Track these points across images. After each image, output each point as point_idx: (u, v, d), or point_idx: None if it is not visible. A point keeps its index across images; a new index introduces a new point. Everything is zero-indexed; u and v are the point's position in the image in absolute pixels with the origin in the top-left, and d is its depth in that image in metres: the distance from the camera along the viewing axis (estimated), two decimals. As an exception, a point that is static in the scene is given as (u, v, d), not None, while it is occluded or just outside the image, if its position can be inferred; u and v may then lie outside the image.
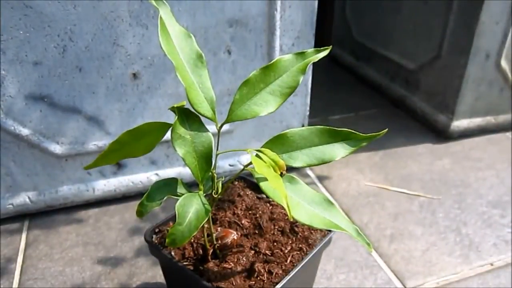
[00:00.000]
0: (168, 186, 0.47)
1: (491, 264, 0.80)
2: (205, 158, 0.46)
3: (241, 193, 0.65)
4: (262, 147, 0.46)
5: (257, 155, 0.44)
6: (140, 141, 0.45)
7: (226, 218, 0.60)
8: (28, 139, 0.81)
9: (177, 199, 0.44)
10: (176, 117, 0.44)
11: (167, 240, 0.41)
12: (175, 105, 0.46)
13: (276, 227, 0.59)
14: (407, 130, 1.25)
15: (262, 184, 0.43)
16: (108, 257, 0.80)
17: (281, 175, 0.44)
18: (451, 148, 1.17)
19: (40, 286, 0.74)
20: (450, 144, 1.19)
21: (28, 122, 0.80)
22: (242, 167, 1.00)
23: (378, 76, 1.47)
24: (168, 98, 0.88)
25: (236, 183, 0.68)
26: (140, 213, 0.45)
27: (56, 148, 0.85)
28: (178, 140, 0.44)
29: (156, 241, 0.57)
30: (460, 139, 1.21)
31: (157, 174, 0.95)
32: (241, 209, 0.62)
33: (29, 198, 0.87)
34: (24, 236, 0.85)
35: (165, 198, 0.46)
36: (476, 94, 1.16)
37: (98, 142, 0.87)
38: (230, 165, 0.99)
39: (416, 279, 0.77)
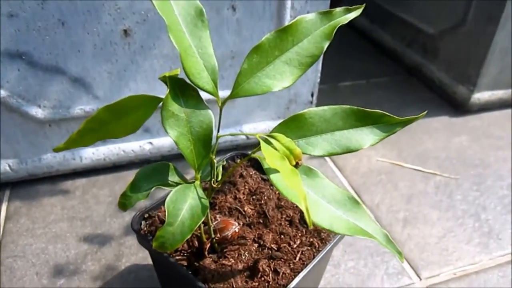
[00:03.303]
0: (157, 173, 0.39)
1: (512, 254, 0.74)
2: (203, 141, 0.37)
3: (244, 173, 0.57)
4: (274, 129, 0.37)
5: (266, 140, 0.35)
6: (123, 119, 0.36)
7: (227, 204, 0.52)
8: (6, 102, 0.72)
9: (168, 190, 0.36)
10: (168, 90, 0.36)
11: (154, 244, 0.34)
12: (167, 74, 0.37)
13: (284, 216, 0.51)
14: (422, 102, 1.16)
15: (273, 177, 0.35)
16: (95, 234, 0.73)
17: (296, 165, 0.35)
18: (469, 123, 1.08)
19: (20, 265, 0.67)
20: (469, 118, 1.10)
21: (5, 82, 0.71)
22: (244, 137, 0.91)
23: (393, 41, 1.36)
24: (164, 60, 0.79)
25: (238, 161, 0.60)
26: (123, 206, 0.37)
27: (38, 112, 0.76)
28: (170, 119, 0.36)
29: (145, 229, 0.50)
30: (479, 113, 1.12)
31: (150, 143, 0.87)
32: (243, 193, 0.54)
33: (9, 166, 0.79)
34: (4, 207, 0.78)
35: (153, 188, 0.38)
36: (501, 65, 1.06)
37: (85, 106, 0.78)
38: (231, 135, 0.91)
39: (432, 268, 0.70)
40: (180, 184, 0.39)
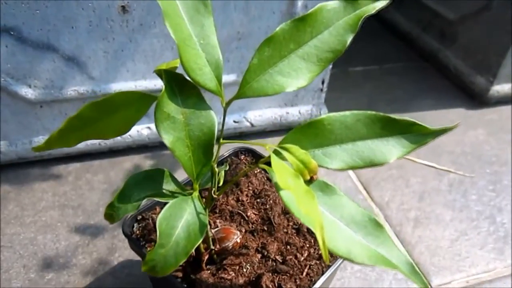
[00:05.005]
0: (150, 180, 0.34)
1: (529, 262, 0.69)
2: (204, 147, 0.32)
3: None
4: (288, 136, 0.32)
5: (276, 151, 0.30)
6: (111, 118, 0.31)
7: (228, 207, 0.48)
8: (-7, 80, 0.67)
9: (162, 203, 0.31)
10: (164, 87, 0.30)
11: (143, 268, 0.29)
12: (163, 66, 0.31)
13: (291, 223, 0.47)
14: (437, 91, 1.10)
15: (284, 195, 0.30)
16: (88, 225, 0.69)
17: (311, 180, 0.31)
18: (486, 116, 1.02)
19: (6, 256, 0.64)
20: (485, 111, 1.04)
21: (-8, 59, 0.66)
22: (248, 124, 0.86)
23: (409, 24, 1.29)
24: (165, 40, 0.73)
25: (242, 157, 0.55)
26: (110, 217, 0.33)
27: (28, 92, 0.70)
28: (165, 121, 0.30)
29: (137, 232, 0.45)
30: (497, 106, 1.06)
31: (149, 128, 0.81)
32: (247, 195, 0.49)
33: (-2, 148, 0.74)
34: (-8, 192, 0.73)
35: (145, 199, 0.33)
36: (524, 55, 0.99)
37: (79, 87, 0.73)
38: (234, 122, 0.86)
39: (443, 275, 0.66)
40: (176, 193, 0.34)
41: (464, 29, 1.08)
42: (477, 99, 1.06)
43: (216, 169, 0.34)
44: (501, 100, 1.05)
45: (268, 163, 0.31)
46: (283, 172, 0.27)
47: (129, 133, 0.81)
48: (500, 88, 1.03)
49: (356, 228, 0.31)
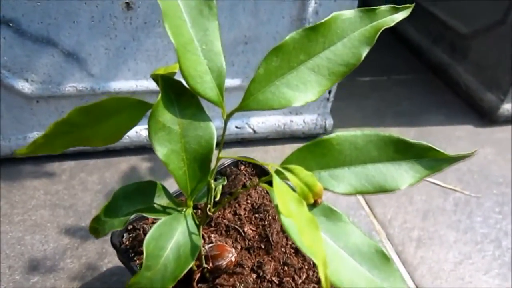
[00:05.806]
0: (141, 193, 0.31)
1: (534, 290, 0.67)
2: (200, 162, 0.30)
3: (248, 183, 0.50)
4: (293, 155, 0.30)
5: (278, 171, 0.28)
6: (101, 124, 0.29)
7: (225, 220, 0.45)
8: (-12, 72, 0.65)
9: (152, 220, 0.29)
10: (160, 94, 0.28)
11: (126, 292, 0.27)
12: (160, 71, 0.29)
13: (290, 242, 0.44)
14: (446, 106, 1.07)
15: (285, 220, 0.27)
16: (79, 227, 0.67)
17: (315, 204, 0.28)
18: (495, 135, 1.00)
19: (-9, 256, 0.61)
20: (494, 130, 1.01)
21: (-11, 50, 0.63)
22: (251, 130, 0.83)
23: (418, 35, 1.26)
24: (169, 40, 0.70)
25: (242, 167, 0.53)
26: (94, 231, 0.30)
27: (25, 87, 0.68)
28: (160, 132, 0.28)
29: (127, 243, 0.43)
30: (507, 125, 1.03)
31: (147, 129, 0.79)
32: (245, 209, 0.47)
33: (-10, 142, 0.72)
34: (-18, 187, 0.71)
35: (134, 214, 0.30)
36: (537, 74, 0.97)
37: (78, 84, 0.70)
38: (236, 127, 0.83)
39: (445, 300, 0.64)
40: (169, 208, 0.31)
41: (475, 44, 1.06)
42: (486, 116, 1.03)
43: (213, 185, 0.31)
44: (510, 118, 1.02)
45: (270, 182, 0.29)
46: (285, 197, 0.25)
47: (127, 133, 0.78)
48: (510, 107, 1.00)
49: (361, 259, 0.28)
